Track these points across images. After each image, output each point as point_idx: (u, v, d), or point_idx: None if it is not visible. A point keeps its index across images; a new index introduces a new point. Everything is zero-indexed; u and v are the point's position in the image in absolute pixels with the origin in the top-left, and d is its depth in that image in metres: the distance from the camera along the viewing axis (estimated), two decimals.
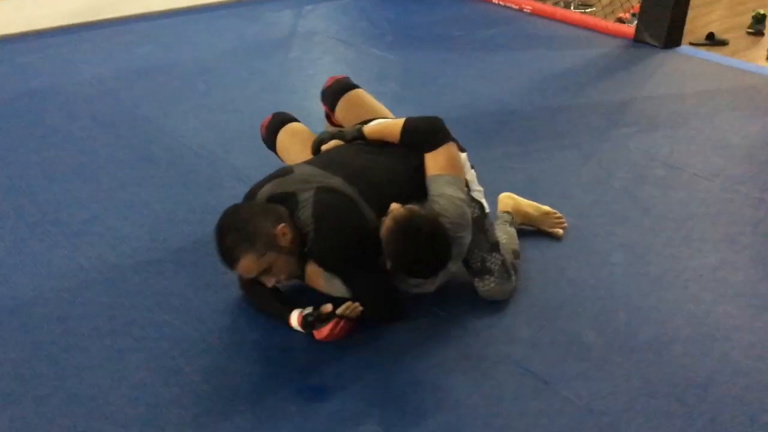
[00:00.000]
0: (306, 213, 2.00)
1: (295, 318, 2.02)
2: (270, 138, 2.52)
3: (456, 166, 2.15)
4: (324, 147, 2.25)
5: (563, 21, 5.00)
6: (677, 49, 4.47)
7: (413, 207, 1.97)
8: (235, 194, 2.47)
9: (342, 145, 2.24)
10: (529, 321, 2.17)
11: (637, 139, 3.33)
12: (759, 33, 4.82)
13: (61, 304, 2.21)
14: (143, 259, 2.42)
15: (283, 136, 2.49)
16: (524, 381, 1.95)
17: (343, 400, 1.88)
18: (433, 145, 2.14)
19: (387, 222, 1.95)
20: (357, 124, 2.30)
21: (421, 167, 2.15)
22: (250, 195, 2.14)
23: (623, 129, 3.43)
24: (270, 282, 2.03)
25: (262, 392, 1.90)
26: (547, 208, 2.58)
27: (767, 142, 3.35)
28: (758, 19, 4.87)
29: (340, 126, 2.52)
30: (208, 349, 2.05)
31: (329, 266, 2.06)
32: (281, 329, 2.08)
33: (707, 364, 2.02)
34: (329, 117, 2.65)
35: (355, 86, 2.57)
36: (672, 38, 4.44)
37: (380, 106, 2.53)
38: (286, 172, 2.16)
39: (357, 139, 2.24)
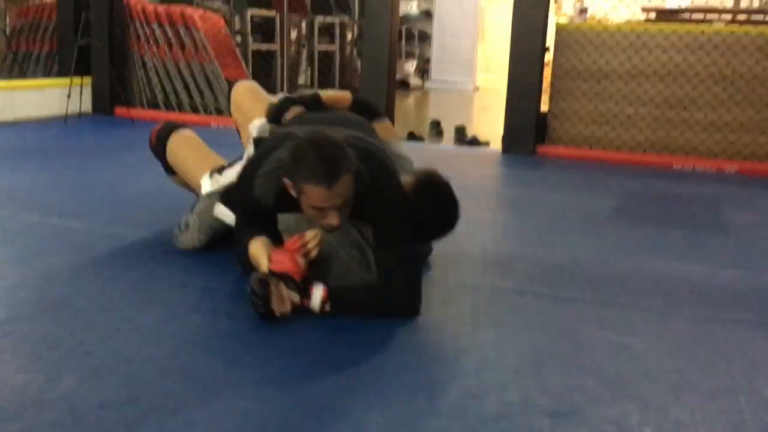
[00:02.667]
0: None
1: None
2: (161, 145, 2.38)
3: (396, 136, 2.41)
4: (288, 114, 2.23)
5: None
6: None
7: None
8: None
9: (304, 112, 2.24)
10: None
11: None
12: (439, 134, 5.96)
13: None
14: None
15: (175, 141, 2.39)
16: None
17: None
18: (379, 114, 2.36)
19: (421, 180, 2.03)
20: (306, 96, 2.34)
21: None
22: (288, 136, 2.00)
23: None
24: (335, 220, 1.82)
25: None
26: None
27: (496, 174, 4.18)
28: (435, 125, 6.04)
29: None
30: None
31: (385, 218, 1.92)
32: None
33: None
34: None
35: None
36: None
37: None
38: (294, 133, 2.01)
39: (314, 103, 2.28)
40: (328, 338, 1.78)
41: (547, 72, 5.08)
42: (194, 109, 5.97)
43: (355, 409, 1.45)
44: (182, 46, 5.90)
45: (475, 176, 4.08)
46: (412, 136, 5.63)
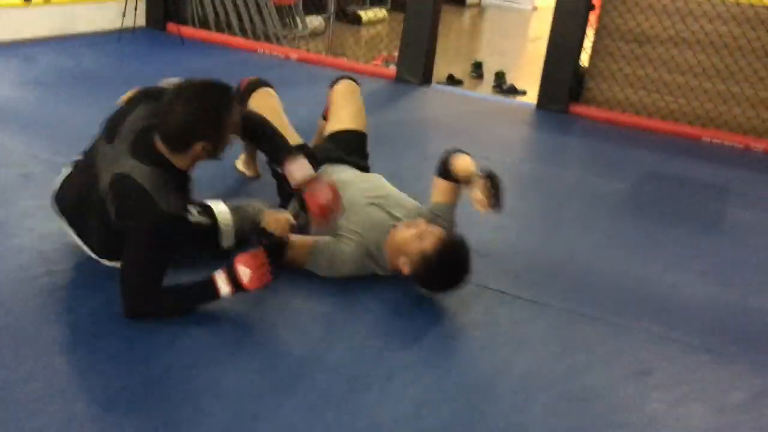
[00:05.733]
0: None
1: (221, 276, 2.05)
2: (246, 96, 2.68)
3: None
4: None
5: (330, 66, 5.65)
6: (431, 85, 5.41)
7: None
8: None
9: None
10: None
11: (450, 141, 4.01)
12: (479, 76, 6.04)
13: None
14: None
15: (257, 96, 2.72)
16: None
17: None
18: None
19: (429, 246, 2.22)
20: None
21: None
22: None
23: (434, 134, 4.14)
24: None
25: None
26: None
27: (538, 141, 4.34)
28: (477, 66, 6.10)
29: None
30: None
31: None
32: None
33: None
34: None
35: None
36: (426, 78, 5.36)
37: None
38: None
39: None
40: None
41: (590, 31, 5.06)
42: (243, 32, 6.13)
43: None
44: None
45: (497, 141, 4.22)
46: (451, 80, 5.73)
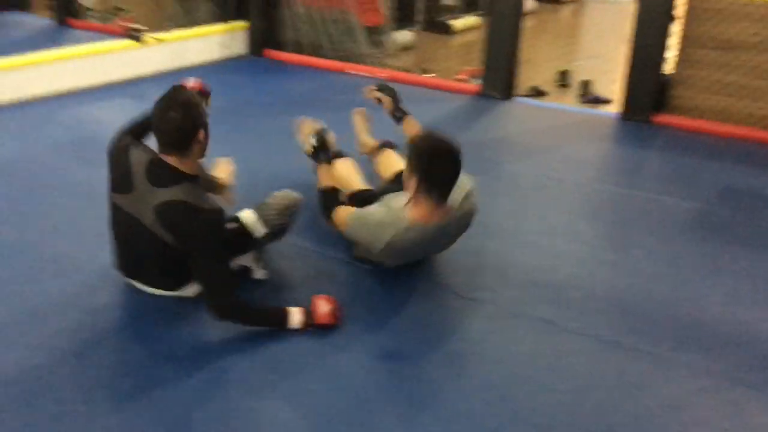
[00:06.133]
0: None
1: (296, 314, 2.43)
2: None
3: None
4: None
5: (415, 84, 5.88)
6: (513, 99, 5.52)
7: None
8: None
9: None
10: None
11: (524, 163, 4.18)
12: (565, 85, 6.08)
13: None
14: None
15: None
16: None
17: None
18: None
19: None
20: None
21: None
22: None
23: (509, 156, 4.29)
24: None
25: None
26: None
27: (615, 158, 4.39)
28: (562, 75, 6.14)
29: None
30: None
31: None
32: None
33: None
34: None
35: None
36: (509, 92, 5.49)
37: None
38: None
39: None
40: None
41: (674, 39, 5.02)
42: (333, 54, 6.47)
43: None
44: None
45: (572, 159, 4.29)
46: (535, 91, 5.81)
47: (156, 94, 2.42)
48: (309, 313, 2.44)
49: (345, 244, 2.94)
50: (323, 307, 2.45)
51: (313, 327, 2.43)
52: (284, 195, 2.71)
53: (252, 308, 2.45)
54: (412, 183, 2.51)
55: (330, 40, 6.46)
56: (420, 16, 7.85)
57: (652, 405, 2.19)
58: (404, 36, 7.01)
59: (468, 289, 2.77)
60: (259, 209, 2.66)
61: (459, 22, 8.33)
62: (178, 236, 2.35)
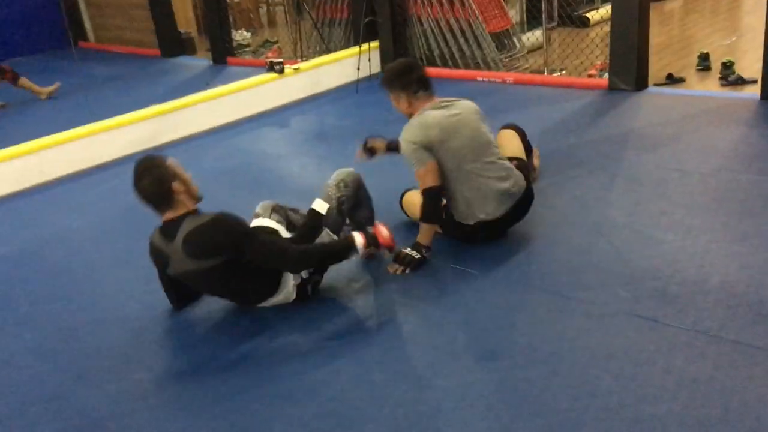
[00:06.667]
0: None
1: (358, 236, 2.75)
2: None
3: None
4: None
5: (543, 84, 5.86)
6: (646, 90, 5.34)
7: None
8: None
9: None
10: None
11: (647, 156, 4.07)
12: (706, 69, 5.75)
13: None
14: None
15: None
16: None
17: None
18: None
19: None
20: None
21: None
22: None
23: (632, 151, 4.19)
24: None
25: None
26: None
27: (748, 144, 4.14)
28: (703, 58, 5.81)
29: None
30: None
31: None
32: None
33: None
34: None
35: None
36: (640, 82, 5.31)
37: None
38: None
39: None
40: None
41: None
42: (463, 63, 6.59)
43: None
44: (452, 4, 6.49)
45: (701, 148, 4.09)
46: (671, 78, 5.56)
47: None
48: (372, 236, 2.78)
49: (445, 250, 3.11)
50: (385, 231, 2.80)
51: (375, 248, 2.80)
52: (339, 171, 3.12)
53: (316, 249, 2.82)
54: (403, 98, 3.17)
55: (459, 50, 6.59)
56: (555, 12, 7.76)
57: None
58: (535, 36, 6.96)
59: (571, 289, 2.81)
60: (321, 191, 3.07)
61: (597, 14, 8.09)
62: (210, 251, 2.64)
